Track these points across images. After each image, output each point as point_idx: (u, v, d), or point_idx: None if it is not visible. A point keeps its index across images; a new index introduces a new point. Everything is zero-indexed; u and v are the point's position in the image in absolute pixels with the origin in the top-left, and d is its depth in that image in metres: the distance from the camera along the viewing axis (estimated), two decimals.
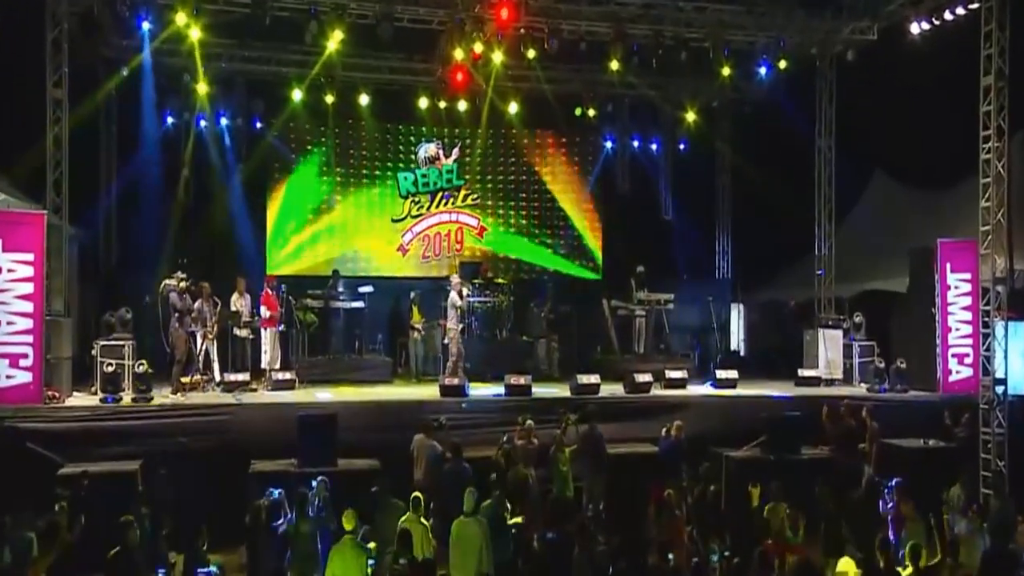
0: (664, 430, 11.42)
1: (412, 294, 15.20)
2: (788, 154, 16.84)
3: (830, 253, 16.10)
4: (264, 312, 13.49)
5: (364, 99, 16.42)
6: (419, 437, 10.36)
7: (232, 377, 12.54)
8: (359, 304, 14.67)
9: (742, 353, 17.99)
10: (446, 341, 13.72)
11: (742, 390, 13.88)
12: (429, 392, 12.95)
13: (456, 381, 12.50)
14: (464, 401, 12.04)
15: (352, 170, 17.51)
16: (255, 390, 12.70)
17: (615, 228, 18.69)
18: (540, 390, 13.04)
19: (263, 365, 13.39)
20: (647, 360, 15.16)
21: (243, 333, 13.30)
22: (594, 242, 18.81)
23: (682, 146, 19.07)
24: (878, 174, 17.70)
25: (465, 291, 13.72)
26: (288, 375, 13.04)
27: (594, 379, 12.88)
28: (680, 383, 13.81)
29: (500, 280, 16.61)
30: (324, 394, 12.69)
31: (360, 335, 14.79)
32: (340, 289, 14.85)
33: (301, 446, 10.25)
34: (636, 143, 19.16)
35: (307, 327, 14.11)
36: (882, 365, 13.97)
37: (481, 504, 8.61)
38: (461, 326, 13.58)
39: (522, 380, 12.61)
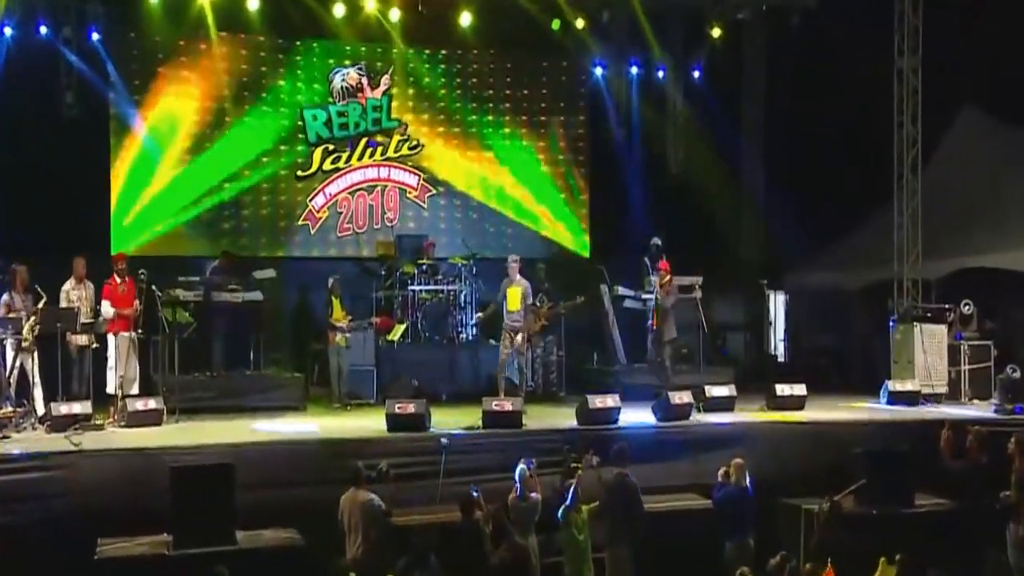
0: (720, 473, 10.66)
1: (331, 281, 14.32)
2: (847, 84, 16.33)
3: (914, 217, 15.35)
4: (108, 310, 12.33)
5: (253, 3, 15.47)
6: (348, 495, 9.61)
7: (64, 408, 11.55)
8: (254, 296, 13.94)
9: (782, 358, 17.64)
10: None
11: (811, 412, 13.24)
12: (368, 425, 12.14)
13: (412, 408, 11.41)
14: (439, 436, 11.15)
15: (238, 106, 16.44)
16: (100, 427, 11.69)
17: (607, 188, 18.08)
18: (532, 418, 12.33)
19: (111, 389, 12.40)
20: (668, 372, 14.25)
21: (81, 340, 12.38)
22: (579, 207, 18.22)
23: (698, 73, 18.33)
24: (968, 110, 16.99)
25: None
26: (151, 403, 12.07)
27: (611, 401, 12.08)
28: (726, 404, 13.17)
29: (456, 259, 15.76)
30: (209, 431, 11.79)
31: (256, 341, 14.06)
32: (225, 275, 14.15)
33: (178, 514, 9.39)
34: (636, 69, 18.30)
35: (178, 331, 13.14)
36: (1016, 375, 13.37)
37: None
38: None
39: (508, 405, 11.75)
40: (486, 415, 11.63)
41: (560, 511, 9.83)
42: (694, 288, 14.74)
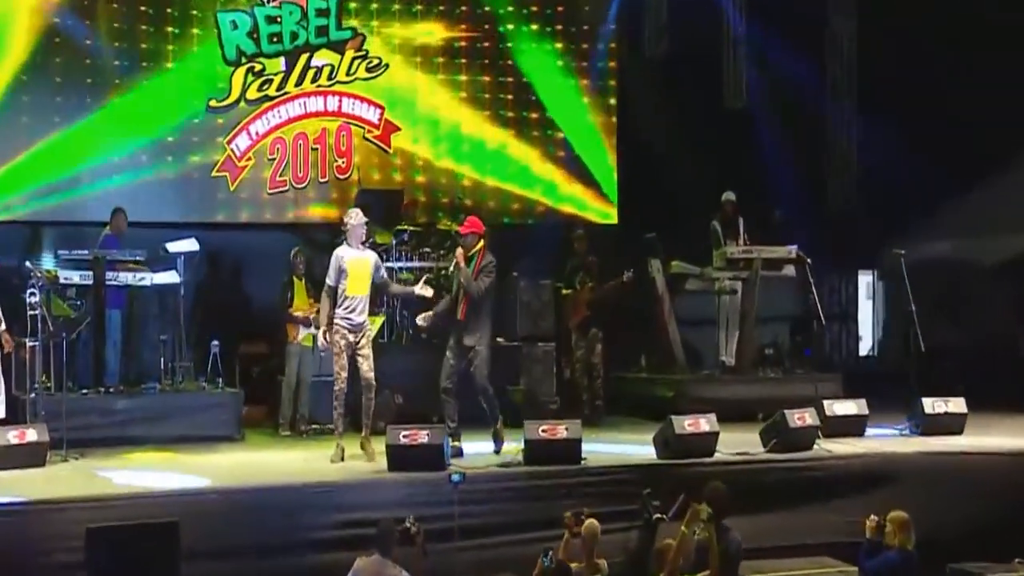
0: (869, 527, 9.96)
1: (293, 253, 14.42)
2: None
3: None
4: None
5: None
6: (371, 564, 9.00)
7: None
8: (169, 279, 13.80)
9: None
10: None
11: (974, 438, 12.93)
12: (350, 462, 11.74)
13: (426, 438, 10.91)
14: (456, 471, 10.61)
15: (125, 9, 16.39)
16: None
17: (642, 128, 18.13)
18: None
19: None
20: (752, 379, 15.09)
21: None
22: (604, 155, 18.25)
23: None
24: None
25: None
26: (30, 435, 11.56)
27: (706, 424, 11.63)
28: (856, 427, 12.84)
29: (449, 225, 15.71)
30: (123, 474, 11.36)
31: (177, 343, 13.95)
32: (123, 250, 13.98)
33: None
34: None
35: (63, 331, 12.77)
36: None
37: None
38: None
39: (563, 430, 11.31)
40: (531, 445, 11.23)
41: None
42: (790, 261, 14.77)
